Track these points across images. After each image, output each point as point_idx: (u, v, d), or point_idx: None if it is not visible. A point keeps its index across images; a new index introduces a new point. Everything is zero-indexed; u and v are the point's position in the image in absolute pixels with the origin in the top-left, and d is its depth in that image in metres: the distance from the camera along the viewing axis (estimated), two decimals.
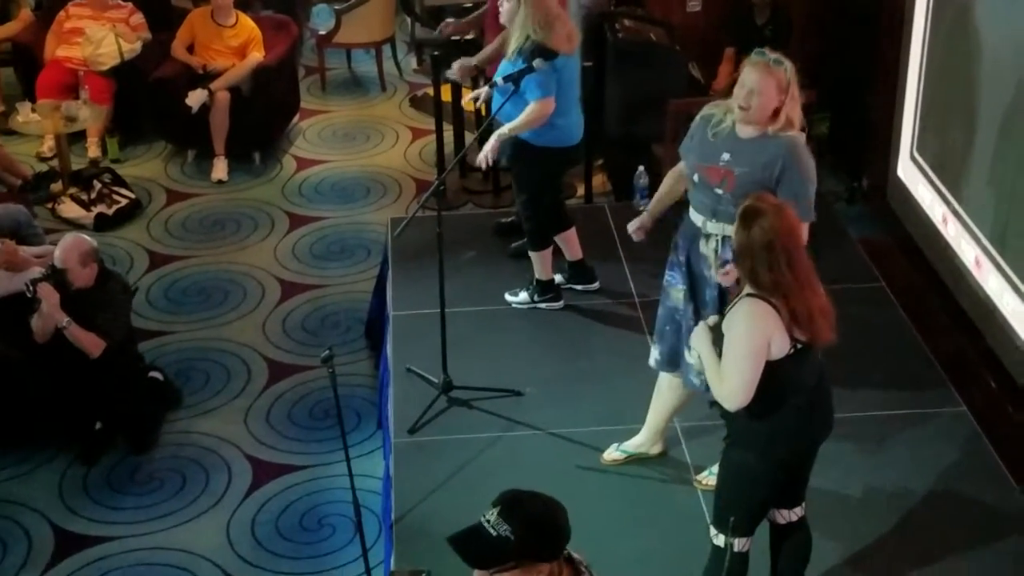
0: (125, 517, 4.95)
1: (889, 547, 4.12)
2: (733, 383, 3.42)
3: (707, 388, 3.93)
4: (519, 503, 2.47)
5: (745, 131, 3.98)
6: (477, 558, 2.43)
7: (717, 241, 4.04)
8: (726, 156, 4.01)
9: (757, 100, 3.89)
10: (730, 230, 3.69)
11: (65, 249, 5.11)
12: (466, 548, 2.42)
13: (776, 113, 3.91)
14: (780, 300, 3.37)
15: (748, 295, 3.42)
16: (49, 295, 5.01)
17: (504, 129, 5.06)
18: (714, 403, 3.61)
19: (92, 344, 5.08)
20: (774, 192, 3.84)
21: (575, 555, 2.58)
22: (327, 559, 4.70)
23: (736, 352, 3.41)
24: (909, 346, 5.13)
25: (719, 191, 4.02)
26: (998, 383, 5.10)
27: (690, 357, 4.15)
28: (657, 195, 4.46)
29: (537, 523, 2.44)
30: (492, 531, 2.42)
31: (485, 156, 5.10)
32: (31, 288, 5.04)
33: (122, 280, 5.48)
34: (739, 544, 3.64)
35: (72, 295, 5.10)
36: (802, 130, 3.99)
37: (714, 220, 4.05)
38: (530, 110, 4.98)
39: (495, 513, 2.44)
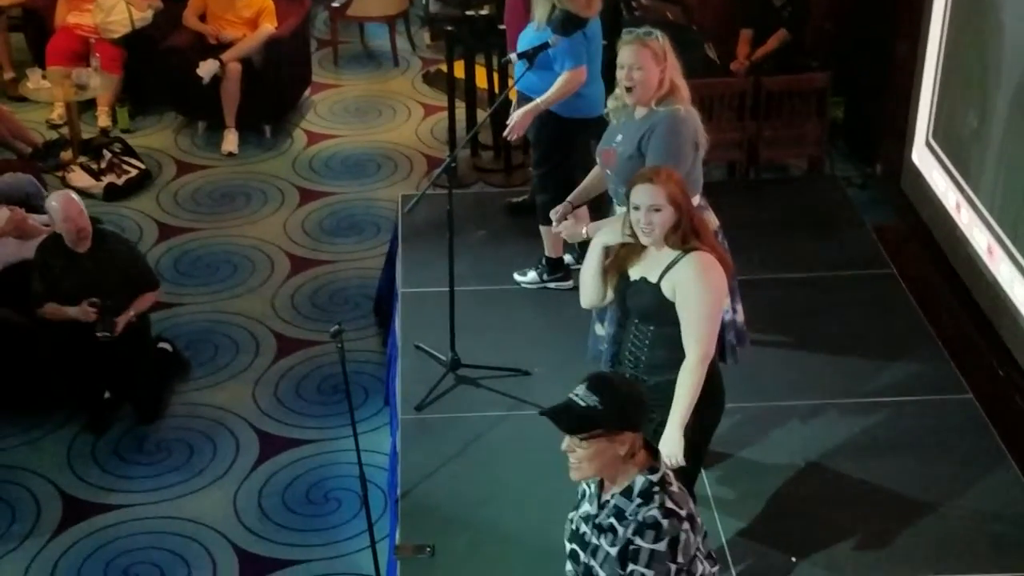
0: (132, 486, 4.98)
1: (892, 532, 4.11)
2: (709, 340, 3.43)
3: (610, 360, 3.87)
4: (605, 379, 2.78)
5: (639, 111, 4.13)
6: (569, 425, 2.69)
7: None
8: (619, 137, 4.17)
9: (639, 75, 4.03)
10: None
11: (65, 208, 5.18)
12: (559, 417, 2.69)
13: (661, 83, 4.04)
14: (711, 249, 3.44)
15: (693, 249, 3.42)
16: (121, 320, 5.17)
17: (538, 101, 5.01)
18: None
19: (148, 303, 5.42)
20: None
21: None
22: (332, 532, 4.73)
23: (706, 308, 3.42)
24: (918, 333, 5.12)
25: (609, 172, 4.18)
26: (1006, 371, 5.10)
27: (600, 330, 4.21)
28: (581, 185, 4.51)
29: (621, 395, 2.71)
30: (581, 403, 2.68)
31: (512, 129, 5.07)
32: (110, 332, 5.13)
33: (120, 236, 5.69)
34: None
35: (87, 261, 5.21)
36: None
37: (618, 205, 4.16)
38: (564, 80, 4.95)
39: (583, 388, 2.70)
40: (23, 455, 5.14)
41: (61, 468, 5.07)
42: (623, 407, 2.68)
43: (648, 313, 3.51)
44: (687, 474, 3.58)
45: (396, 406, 4.80)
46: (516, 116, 5.05)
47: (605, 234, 3.62)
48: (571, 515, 2.90)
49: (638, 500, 2.70)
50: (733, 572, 3.92)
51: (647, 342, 3.54)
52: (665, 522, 2.66)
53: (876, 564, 3.99)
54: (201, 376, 5.59)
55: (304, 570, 4.57)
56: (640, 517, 2.68)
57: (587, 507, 2.84)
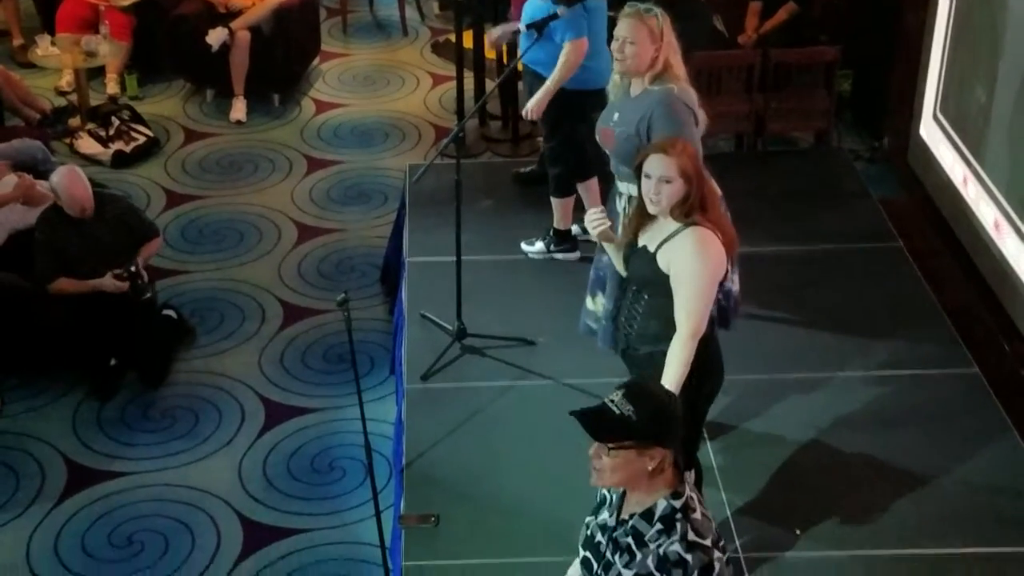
0: (137, 453, 5.00)
1: (895, 505, 4.12)
2: (700, 316, 3.39)
3: (607, 341, 3.87)
4: (644, 389, 2.63)
5: (634, 89, 4.10)
6: (600, 432, 2.57)
7: (625, 199, 4.14)
8: (616, 116, 4.15)
9: (631, 49, 4.01)
10: (632, 189, 3.79)
11: (70, 185, 5.19)
12: (590, 422, 2.56)
13: (654, 61, 4.01)
14: (713, 224, 3.41)
15: (693, 224, 3.40)
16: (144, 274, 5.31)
17: (549, 84, 5.03)
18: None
19: (155, 249, 5.59)
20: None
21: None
22: (337, 501, 4.75)
23: (700, 283, 3.39)
24: (924, 306, 5.11)
25: (607, 151, 4.17)
26: (1011, 346, 5.09)
27: (591, 304, 4.18)
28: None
29: (658, 408, 2.58)
30: (616, 410, 2.55)
31: (529, 111, 5.10)
32: (149, 291, 5.33)
33: (113, 194, 5.81)
34: None
35: (93, 227, 5.23)
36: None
37: (618, 179, 4.19)
38: (566, 53, 4.96)
39: (620, 394, 2.58)
40: (28, 421, 5.16)
41: (66, 435, 5.09)
42: (658, 420, 2.55)
43: (644, 281, 3.53)
44: (688, 444, 3.59)
45: (402, 375, 4.81)
46: (532, 102, 5.07)
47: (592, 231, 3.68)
48: (588, 519, 2.78)
49: (658, 526, 2.57)
50: (737, 544, 3.93)
51: (640, 311, 3.55)
52: (689, 556, 2.53)
53: (879, 537, 4.00)
54: (207, 344, 5.60)
55: (308, 539, 4.58)
56: (661, 551, 2.54)
57: (605, 516, 2.71)
